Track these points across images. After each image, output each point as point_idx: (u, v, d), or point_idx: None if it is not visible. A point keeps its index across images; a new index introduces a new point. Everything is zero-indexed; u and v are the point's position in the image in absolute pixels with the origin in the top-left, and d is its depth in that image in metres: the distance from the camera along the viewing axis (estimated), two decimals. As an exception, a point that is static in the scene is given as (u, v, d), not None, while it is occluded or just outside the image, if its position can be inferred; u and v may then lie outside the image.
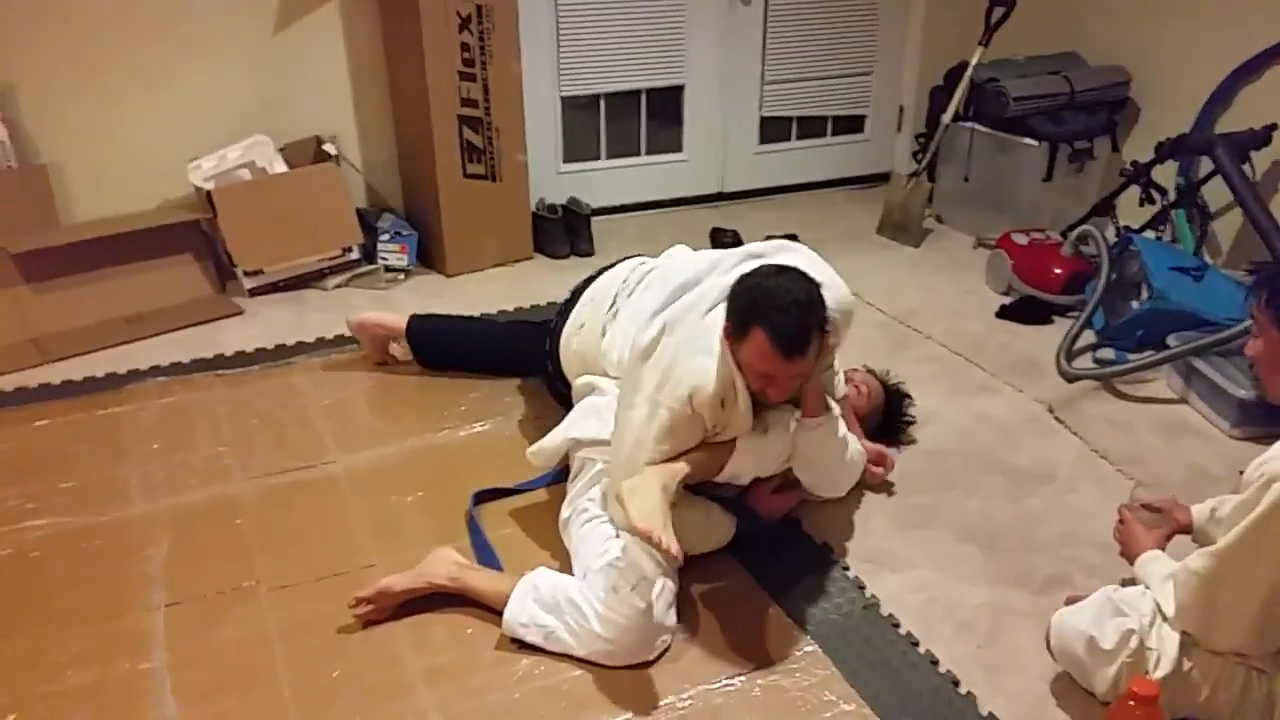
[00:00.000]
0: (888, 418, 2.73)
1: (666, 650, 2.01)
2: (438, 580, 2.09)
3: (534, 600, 2.02)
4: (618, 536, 2.07)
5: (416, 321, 3.02)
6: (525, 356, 2.86)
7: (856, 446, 2.36)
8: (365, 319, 3.06)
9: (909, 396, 2.79)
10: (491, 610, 2.06)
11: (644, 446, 2.06)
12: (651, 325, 2.21)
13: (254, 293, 3.55)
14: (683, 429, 2.07)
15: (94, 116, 3.49)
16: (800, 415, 2.14)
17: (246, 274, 3.53)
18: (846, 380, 2.64)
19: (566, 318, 2.60)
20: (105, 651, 2.00)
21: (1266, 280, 1.77)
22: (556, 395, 2.71)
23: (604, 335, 2.46)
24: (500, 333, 3.08)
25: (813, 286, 2.00)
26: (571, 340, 2.55)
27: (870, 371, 2.79)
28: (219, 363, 3.11)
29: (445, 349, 3.04)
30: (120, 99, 3.51)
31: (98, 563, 2.25)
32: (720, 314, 2.10)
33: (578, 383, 2.47)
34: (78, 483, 2.52)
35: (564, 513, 2.23)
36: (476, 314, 3.33)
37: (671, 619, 2.03)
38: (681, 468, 2.08)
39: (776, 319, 1.93)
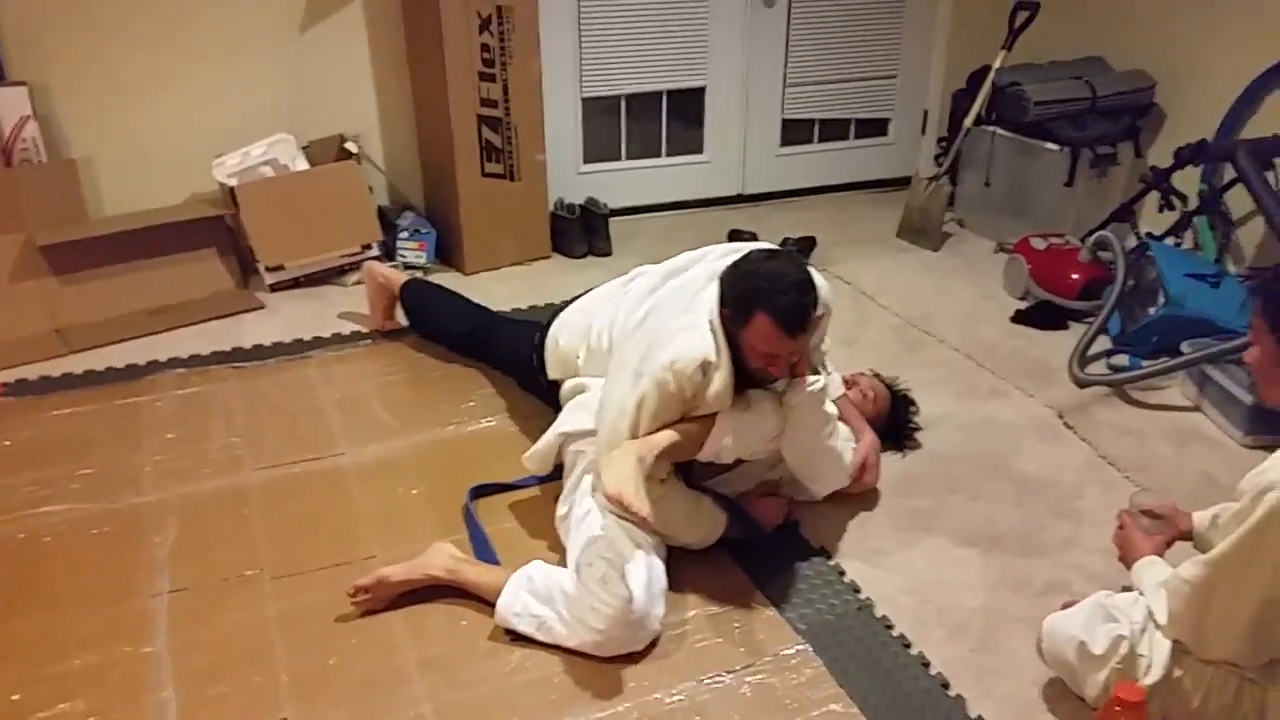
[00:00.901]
0: (893, 424, 2.73)
1: (656, 642, 2.03)
2: (434, 572, 2.12)
3: (528, 591, 2.04)
4: (604, 519, 2.10)
5: (413, 283, 3.22)
6: (504, 349, 2.93)
7: (848, 443, 2.40)
8: (374, 267, 3.28)
9: (914, 404, 2.79)
10: (486, 603, 2.08)
11: (626, 415, 2.12)
12: (639, 309, 2.33)
13: (275, 288, 3.60)
14: (663, 397, 2.11)
15: (123, 114, 3.56)
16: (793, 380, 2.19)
17: (268, 269, 3.58)
18: (851, 384, 2.66)
19: (558, 315, 2.65)
20: (109, 635, 2.04)
21: (1262, 287, 1.76)
22: (536, 390, 2.78)
23: (589, 331, 2.50)
24: (487, 317, 3.12)
25: (804, 267, 2.10)
26: (559, 335, 2.59)
27: (877, 377, 2.79)
28: (237, 356, 3.16)
29: (430, 314, 3.19)
30: (148, 97, 3.58)
31: (107, 548, 2.30)
32: (706, 295, 2.18)
33: (566, 385, 2.52)
34: (94, 470, 2.57)
35: (560, 509, 2.25)
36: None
37: (660, 608, 2.04)
38: (660, 439, 2.12)
39: (779, 300, 2.02)
